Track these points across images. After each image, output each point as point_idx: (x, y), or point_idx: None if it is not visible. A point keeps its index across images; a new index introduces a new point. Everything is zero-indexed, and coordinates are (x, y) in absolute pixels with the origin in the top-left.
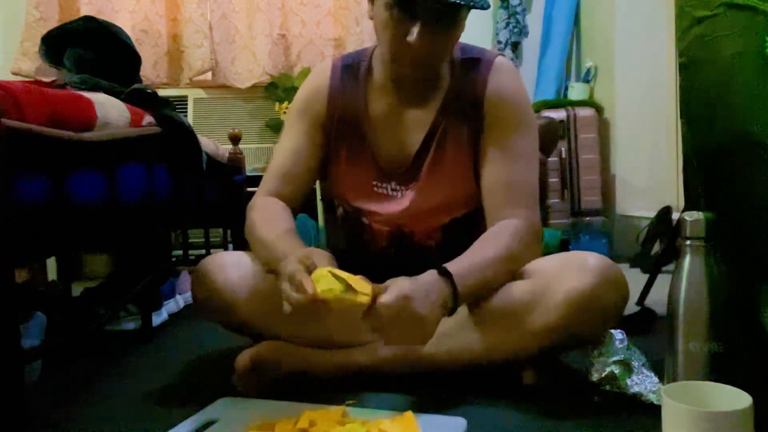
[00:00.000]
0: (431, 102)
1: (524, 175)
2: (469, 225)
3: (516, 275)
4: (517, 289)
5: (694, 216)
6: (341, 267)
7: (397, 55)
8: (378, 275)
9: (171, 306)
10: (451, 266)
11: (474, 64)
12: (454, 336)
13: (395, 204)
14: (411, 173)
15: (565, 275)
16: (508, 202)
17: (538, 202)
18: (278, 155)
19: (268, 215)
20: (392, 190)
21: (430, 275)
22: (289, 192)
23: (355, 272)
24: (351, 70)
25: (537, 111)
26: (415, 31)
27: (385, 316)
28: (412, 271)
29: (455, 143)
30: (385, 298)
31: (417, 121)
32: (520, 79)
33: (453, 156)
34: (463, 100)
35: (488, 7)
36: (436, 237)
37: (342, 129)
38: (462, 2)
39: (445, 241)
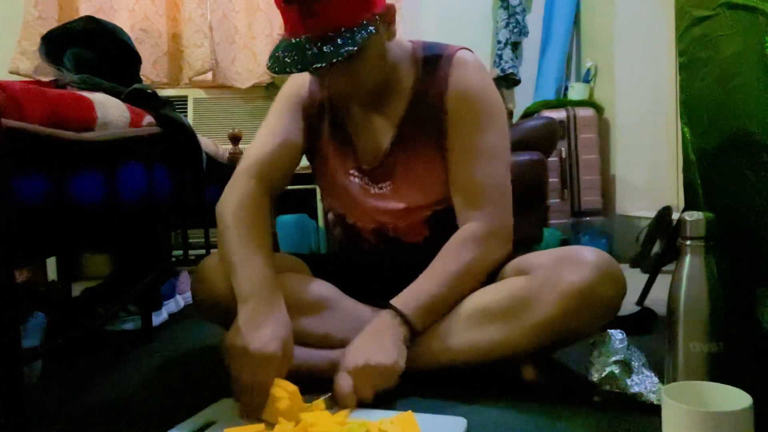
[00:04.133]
0: (395, 106)
1: (488, 173)
2: (453, 216)
3: (515, 271)
4: (516, 284)
5: (694, 216)
6: (339, 269)
7: (330, 95)
8: (372, 274)
9: (171, 306)
10: (401, 301)
11: (435, 61)
12: (454, 334)
13: (373, 199)
14: (381, 171)
15: (563, 270)
16: (471, 203)
17: (507, 198)
18: (260, 138)
19: (243, 224)
20: (366, 184)
21: (379, 321)
22: (272, 176)
23: (352, 273)
24: None
25: (537, 111)
26: (324, 81)
27: (358, 386)
28: (403, 268)
29: (424, 144)
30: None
31: (383, 126)
32: (484, 73)
33: (423, 156)
34: (426, 100)
35: (363, 43)
36: (422, 232)
37: (324, 114)
38: (323, 64)
39: (432, 235)
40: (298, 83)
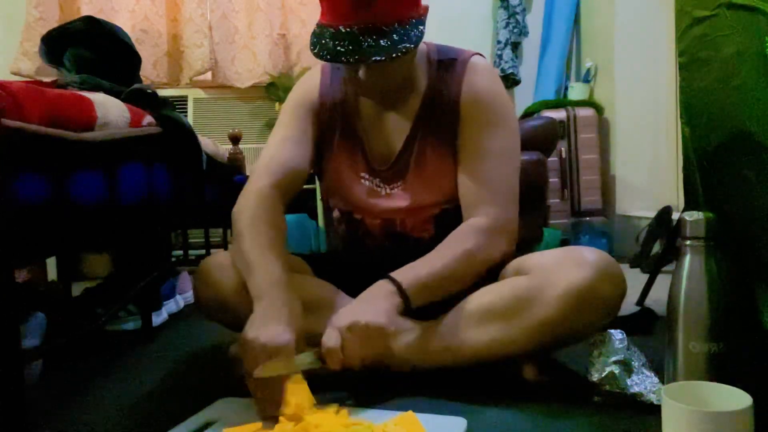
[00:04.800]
0: (410, 105)
1: (496, 173)
2: (461, 215)
3: (515, 272)
4: (516, 284)
5: (694, 216)
6: (340, 269)
7: (355, 87)
8: (373, 273)
9: (171, 306)
10: (399, 273)
11: (450, 65)
12: (455, 333)
13: (384, 200)
14: (393, 173)
15: (563, 270)
16: (478, 201)
17: (513, 199)
18: (273, 145)
19: (259, 227)
20: (377, 186)
21: (374, 287)
22: (286, 182)
23: (353, 271)
24: (340, 72)
25: (537, 111)
26: (361, 71)
27: (346, 345)
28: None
29: (436, 145)
30: (330, 334)
31: (398, 124)
32: (496, 78)
33: (435, 157)
34: (440, 102)
35: (418, 43)
36: (429, 229)
37: (335, 119)
38: (383, 57)
39: (439, 232)
40: (307, 88)
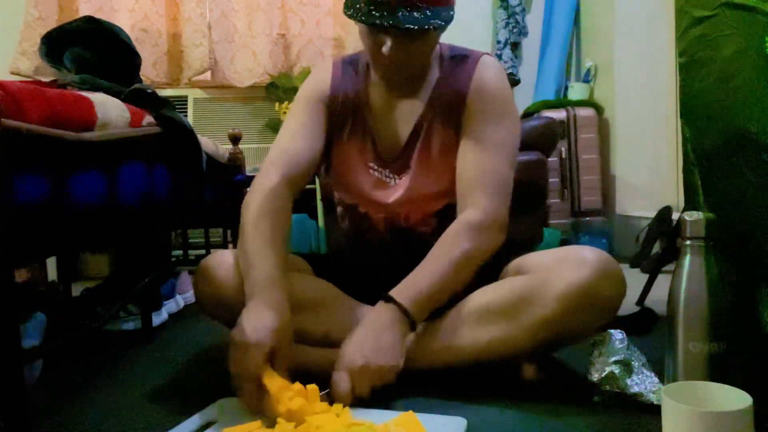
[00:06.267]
0: (420, 95)
1: (493, 165)
2: None
3: (516, 271)
4: (516, 284)
5: (694, 216)
6: (340, 269)
7: (376, 62)
8: (374, 271)
9: (171, 306)
10: (401, 294)
11: (462, 60)
12: (455, 332)
13: (389, 191)
14: (401, 162)
15: (563, 269)
16: (473, 191)
17: (506, 192)
18: (284, 137)
19: (264, 221)
20: (386, 176)
21: (378, 315)
22: (296, 173)
23: (355, 267)
24: (351, 66)
25: (537, 111)
26: (388, 43)
27: (356, 385)
28: (410, 260)
29: (443, 135)
30: (339, 378)
31: (407, 114)
32: (504, 77)
33: (441, 147)
34: (449, 93)
35: (448, 23)
36: (432, 223)
37: (346, 112)
38: (416, 27)
39: (441, 227)
40: (319, 81)
